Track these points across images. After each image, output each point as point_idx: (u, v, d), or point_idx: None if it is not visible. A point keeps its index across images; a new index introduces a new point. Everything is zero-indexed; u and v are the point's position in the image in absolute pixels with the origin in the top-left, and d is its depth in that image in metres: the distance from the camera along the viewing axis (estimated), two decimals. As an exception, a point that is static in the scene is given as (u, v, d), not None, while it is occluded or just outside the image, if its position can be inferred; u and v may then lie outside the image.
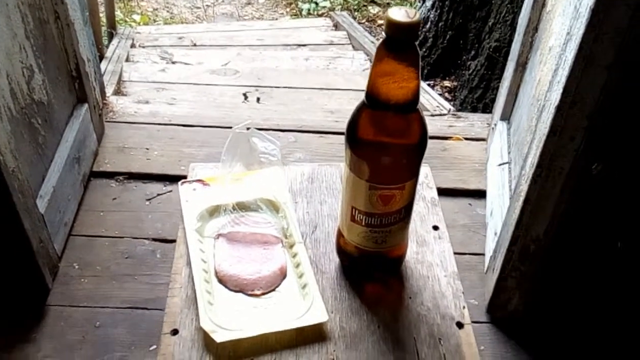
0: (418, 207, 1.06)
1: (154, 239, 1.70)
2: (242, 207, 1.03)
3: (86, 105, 1.78)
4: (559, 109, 1.13)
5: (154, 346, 1.44)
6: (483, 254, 1.71)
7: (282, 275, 0.96)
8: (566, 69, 1.07)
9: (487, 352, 1.52)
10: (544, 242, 1.40)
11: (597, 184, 1.36)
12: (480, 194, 1.86)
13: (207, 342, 0.86)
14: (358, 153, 0.83)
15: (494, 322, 1.59)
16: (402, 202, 0.86)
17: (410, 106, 0.78)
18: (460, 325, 0.92)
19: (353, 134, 0.83)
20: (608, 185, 1.40)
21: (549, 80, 1.22)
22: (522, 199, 1.34)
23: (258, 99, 2.22)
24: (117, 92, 2.17)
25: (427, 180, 1.11)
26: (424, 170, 1.12)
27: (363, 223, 0.89)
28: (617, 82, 1.07)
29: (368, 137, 0.82)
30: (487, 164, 1.90)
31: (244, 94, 2.23)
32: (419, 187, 1.02)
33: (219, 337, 0.85)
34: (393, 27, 0.74)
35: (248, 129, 1.05)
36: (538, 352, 1.54)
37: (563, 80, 1.08)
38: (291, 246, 0.99)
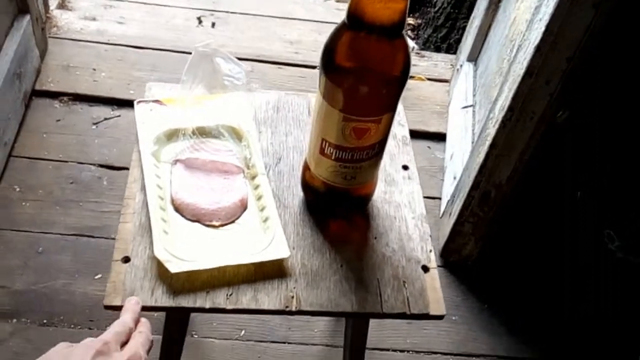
0: (388, 145, 1.00)
1: (101, 165, 1.63)
2: (202, 132, 0.97)
3: (28, 17, 1.66)
4: (538, 49, 1.09)
5: (100, 275, 1.39)
6: (439, 198, 1.69)
7: (243, 207, 0.90)
8: (550, 7, 1.02)
9: (440, 295, 1.51)
10: (505, 189, 1.38)
11: (561, 132, 1.34)
12: (440, 137, 1.83)
13: (160, 272, 0.81)
14: (334, 79, 0.76)
15: (446, 266, 1.59)
16: (376, 137, 0.81)
17: (397, 30, 0.72)
18: (425, 268, 0.88)
19: (330, 58, 0.76)
20: (571, 134, 1.38)
21: (528, 19, 1.17)
22: (488, 143, 1.31)
23: (213, 24, 2.11)
24: (62, 5, 2.04)
25: (399, 117, 1.06)
26: (398, 106, 1.06)
27: (333, 157, 0.83)
28: (604, 23, 1.02)
29: (346, 62, 0.76)
30: (449, 106, 1.87)
31: (198, 18, 2.12)
32: (391, 123, 0.98)
33: (174, 267, 0.80)
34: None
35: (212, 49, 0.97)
36: (488, 297, 1.55)
37: (546, 18, 1.03)
38: (253, 177, 0.93)
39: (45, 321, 1.32)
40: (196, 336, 1.36)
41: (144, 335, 0.66)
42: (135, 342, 0.65)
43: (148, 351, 0.66)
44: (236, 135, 0.98)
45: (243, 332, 1.38)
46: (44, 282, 1.36)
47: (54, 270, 1.39)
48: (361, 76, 0.76)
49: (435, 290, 0.86)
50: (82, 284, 1.37)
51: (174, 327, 0.97)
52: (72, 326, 1.32)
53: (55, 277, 1.38)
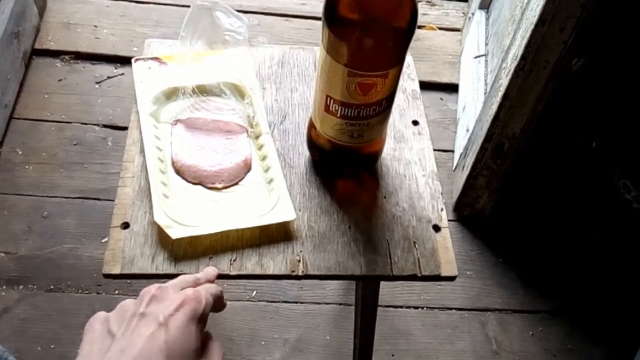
0: (398, 99, 0.96)
1: (105, 125, 1.60)
2: (203, 90, 0.93)
3: (24, -27, 1.61)
4: (552, -5, 1.03)
5: (107, 238, 1.36)
6: (452, 151, 1.65)
7: (247, 168, 0.87)
8: (566, -50, 0.97)
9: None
10: (519, 140, 1.34)
11: (576, 81, 1.30)
12: (453, 88, 1.78)
13: (161, 237, 0.78)
14: (337, 32, 0.72)
15: (460, 220, 1.56)
16: (383, 93, 0.77)
17: (402, -22, 0.67)
18: (437, 228, 0.85)
19: (332, 10, 0.72)
20: (586, 83, 1.33)
21: (542, -37, 1.11)
22: (500, 94, 1.26)
23: (218, -22, 2.06)
24: (61, -39, 1.99)
25: (409, 70, 1.01)
26: (407, 59, 1.02)
27: (338, 114, 0.79)
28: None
29: (350, 13, 0.71)
30: (461, 56, 1.81)
31: (203, -29, 2.07)
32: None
33: (175, 232, 0.77)
34: None
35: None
36: (502, 251, 1.52)
37: (561, -38, 0.98)
38: (257, 137, 0.89)
39: (52, 287, 1.31)
40: (206, 297, 1.34)
41: (214, 287, 0.59)
42: (201, 288, 0.57)
43: (218, 308, 0.59)
44: (238, 93, 0.94)
45: (254, 292, 1.37)
46: (50, 247, 1.35)
47: (59, 234, 1.37)
48: (366, 28, 0.71)
49: (447, 250, 0.83)
50: (89, 248, 1.36)
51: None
52: (80, 291, 1.31)
53: (61, 242, 1.36)
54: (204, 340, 0.54)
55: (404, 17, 0.71)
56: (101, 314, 0.54)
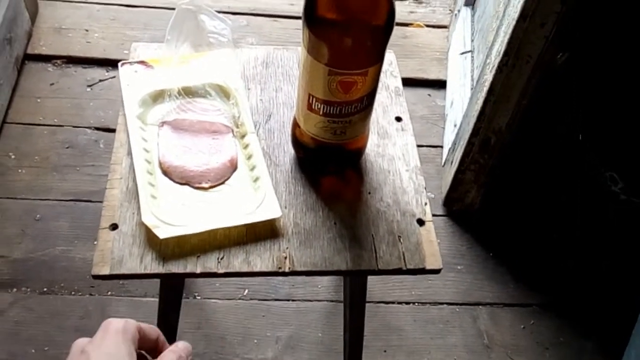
0: (381, 96, 0.98)
1: (97, 128, 1.61)
2: (189, 92, 0.94)
3: (15, -20, 1.63)
4: (532, -9, 1.05)
5: (97, 240, 1.38)
6: (441, 147, 1.67)
7: (233, 167, 0.88)
8: (543, -53, 0.98)
9: (443, 245, 1.51)
10: (505, 135, 1.35)
11: (561, 75, 1.31)
12: (441, 84, 1.80)
13: (149, 238, 0.79)
14: (317, 33, 0.74)
15: (450, 215, 1.58)
16: (364, 90, 0.78)
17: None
18: (421, 222, 0.86)
19: (312, 11, 0.73)
20: (571, 76, 1.35)
21: (522, -40, 1.13)
22: (485, 89, 1.28)
23: (207, -21, 2.08)
24: (52, -33, 2.00)
25: (391, 67, 1.03)
26: (389, 57, 1.03)
27: (321, 112, 0.81)
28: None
29: (329, 13, 0.73)
30: (448, 52, 1.83)
31: (192, -27, 2.08)
32: (382, 75, 0.94)
33: (162, 232, 0.78)
34: None
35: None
36: (493, 246, 1.53)
37: (539, -42, 0.99)
38: (243, 136, 0.91)
39: (45, 289, 1.32)
40: (199, 297, 1.36)
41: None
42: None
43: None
44: (223, 94, 0.95)
45: (246, 291, 1.38)
46: (43, 250, 1.36)
47: (52, 237, 1.38)
48: (344, 28, 0.73)
49: (431, 244, 0.84)
50: (82, 250, 1.37)
51: (169, 292, 0.96)
52: (73, 293, 1.32)
53: (54, 244, 1.37)
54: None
55: (381, 16, 0.72)
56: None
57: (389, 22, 0.73)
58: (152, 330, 0.56)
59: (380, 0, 0.71)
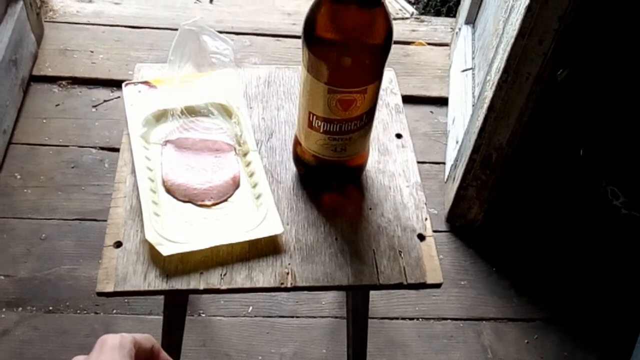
0: (381, 113, 1.00)
1: (102, 148, 1.62)
2: (191, 111, 0.96)
3: (21, 3, 1.65)
4: (529, 8, 1.06)
5: (102, 258, 1.39)
6: (444, 163, 1.68)
7: (235, 184, 0.89)
8: (540, -35, 1.00)
9: (446, 261, 1.51)
10: (506, 151, 1.36)
11: (562, 91, 1.32)
12: (442, 102, 1.81)
13: (153, 255, 0.80)
14: (316, 52, 0.75)
15: (453, 231, 1.58)
16: (363, 108, 0.80)
17: (375, -1, 0.70)
18: (421, 237, 0.87)
19: (310, 31, 0.75)
20: (572, 92, 1.36)
21: (520, -22, 1.14)
22: (486, 105, 1.29)
23: (211, 0, 2.10)
24: (58, -11, 2.03)
25: (391, 85, 1.04)
26: (389, 75, 1.05)
27: (321, 130, 0.82)
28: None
29: (327, 34, 0.75)
30: (450, 70, 1.84)
31: (196, -5, 2.11)
32: (382, 92, 0.96)
33: (166, 250, 0.79)
34: None
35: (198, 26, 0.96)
36: (496, 261, 1.54)
37: (536, -23, 1.01)
38: (245, 154, 0.92)
39: (51, 308, 1.33)
40: (204, 315, 1.36)
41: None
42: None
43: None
44: (226, 113, 0.97)
45: (251, 308, 1.39)
46: (48, 269, 1.37)
47: (57, 256, 1.39)
48: (342, 47, 0.74)
49: (431, 259, 0.85)
50: (87, 269, 1.38)
51: (173, 309, 0.97)
52: (78, 311, 1.33)
53: (60, 263, 1.38)
54: None
55: (378, 35, 0.74)
56: None
57: (387, 40, 0.75)
58: (147, 340, 0.57)
59: (378, 20, 0.73)
